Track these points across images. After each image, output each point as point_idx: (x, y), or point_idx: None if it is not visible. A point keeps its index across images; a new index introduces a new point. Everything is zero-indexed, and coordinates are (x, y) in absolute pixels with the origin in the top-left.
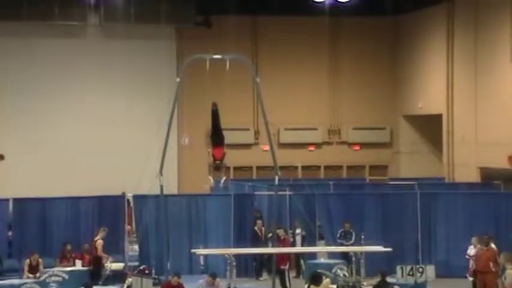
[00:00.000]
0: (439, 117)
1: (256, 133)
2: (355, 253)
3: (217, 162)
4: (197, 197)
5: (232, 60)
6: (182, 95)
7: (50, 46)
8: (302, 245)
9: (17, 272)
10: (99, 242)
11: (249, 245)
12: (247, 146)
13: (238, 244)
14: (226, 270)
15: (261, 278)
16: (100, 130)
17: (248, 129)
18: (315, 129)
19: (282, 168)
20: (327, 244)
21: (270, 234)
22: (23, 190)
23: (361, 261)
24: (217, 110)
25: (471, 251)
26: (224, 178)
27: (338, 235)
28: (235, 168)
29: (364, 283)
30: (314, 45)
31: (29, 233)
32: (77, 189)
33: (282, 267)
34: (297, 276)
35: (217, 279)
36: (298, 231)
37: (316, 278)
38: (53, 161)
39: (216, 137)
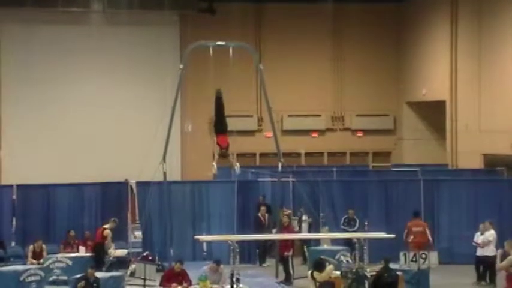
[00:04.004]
0: (442, 104)
1: (260, 120)
2: (359, 239)
3: (223, 150)
4: (200, 183)
5: (235, 47)
6: (186, 82)
7: (52, 33)
8: (309, 232)
9: (21, 258)
10: (108, 232)
11: (252, 231)
12: (250, 132)
13: (241, 230)
14: (230, 256)
15: (264, 265)
16: (103, 117)
17: (251, 116)
18: (319, 115)
19: (285, 155)
20: (330, 231)
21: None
22: (26, 177)
23: (365, 247)
24: (221, 98)
25: (478, 238)
26: (237, 164)
27: (342, 222)
28: (238, 155)
29: (368, 269)
30: (318, 32)
31: (33, 220)
32: (81, 176)
33: (286, 253)
34: (304, 262)
35: (221, 266)
36: (304, 218)
37: (319, 265)
38: (56, 148)
39: (219, 125)
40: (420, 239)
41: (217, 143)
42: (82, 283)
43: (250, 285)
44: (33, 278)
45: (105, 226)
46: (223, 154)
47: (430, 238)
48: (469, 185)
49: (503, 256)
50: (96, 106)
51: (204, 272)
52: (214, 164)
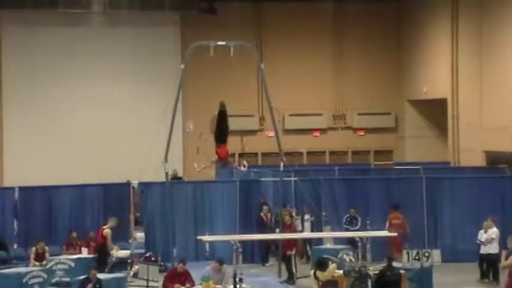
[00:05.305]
0: (443, 101)
1: (261, 119)
2: (361, 238)
3: (222, 161)
4: (202, 183)
5: (236, 47)
6: (187, 82)
7: (53, 34)
8: (311, 231)
9: (24, 260)
10: (107, 231)
11: (254, 231)
12: (252, 132)
13: (244, 230)
14: (232, 256)
15: (267, 264)
16: (105, 118)
17: (253, 116)
18: (320, 114)
19: (287, 154)
20: (333, 230)
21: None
22: (28, 179)
23: (367, 246)
24: (225, 111)
25: (482, 236)
26: (245, 162)
27: (344, 220)
28: (240, 155)
29: (370, 268)
30: (318, 30)
31: (35, 221)
32: (83, 177)
33: (288, 252)
34: (307, 262)
35: (224, 266)
36: (306, 217)
37: (322, 264)
38: (58, 149)
39: (221, 136)
40: (399, 231)
41: (216, 152)
42: (90, 285)
43: (253, 285)
44: (35, 280)
45: (104, 226)
46: (222, 163)
47: (408, 230)
48: (471, 182)
49: (508, 255)
50: (97, 107)
51: (207, 272)
52: (196, 164)
